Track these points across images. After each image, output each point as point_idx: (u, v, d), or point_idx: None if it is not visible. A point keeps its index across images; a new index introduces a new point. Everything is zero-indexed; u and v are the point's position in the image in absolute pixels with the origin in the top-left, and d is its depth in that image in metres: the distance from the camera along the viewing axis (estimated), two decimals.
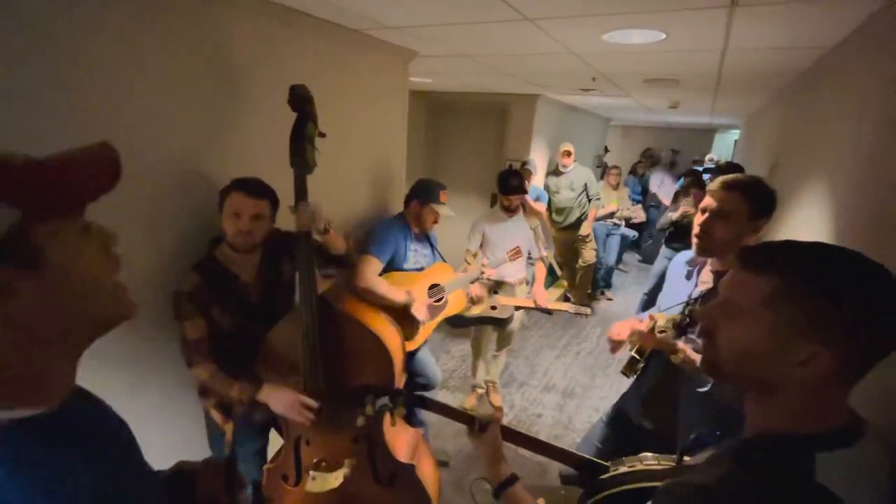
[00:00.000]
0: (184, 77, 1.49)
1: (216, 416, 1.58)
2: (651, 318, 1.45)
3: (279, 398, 1.48)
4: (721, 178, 1.38)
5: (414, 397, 1.28)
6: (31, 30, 1.12)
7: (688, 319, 1.35)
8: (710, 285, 1.43)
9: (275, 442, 1.77)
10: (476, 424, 1.08)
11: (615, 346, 1.58)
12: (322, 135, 1.57)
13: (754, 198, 1.33)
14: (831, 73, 1.82)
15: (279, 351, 1.55)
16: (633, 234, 5.77)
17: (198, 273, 1.48)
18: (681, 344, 1.36)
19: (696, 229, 1.40)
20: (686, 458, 0.90)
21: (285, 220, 1.59)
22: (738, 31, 1.64)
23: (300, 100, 1.50)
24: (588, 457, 1.12)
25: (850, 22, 1.46)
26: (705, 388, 1.33)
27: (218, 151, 1.65)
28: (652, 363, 1.54)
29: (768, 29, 1.61)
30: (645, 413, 1.60)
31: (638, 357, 1.53)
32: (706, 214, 1.38)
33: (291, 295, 1.73)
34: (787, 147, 2.55)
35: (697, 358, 1.33)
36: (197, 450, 1.72)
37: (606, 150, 7.77)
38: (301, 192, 1.50)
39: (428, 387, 2.43)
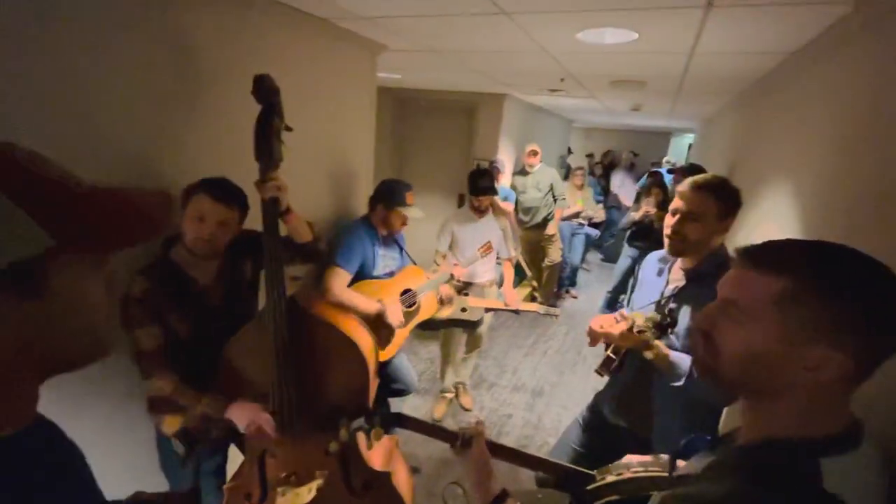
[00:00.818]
0: (138, 64, 1.36)
1: (178, 447, 1.45)
2: (622, 316, 1.45)
3: (244, 415, 1.37)
4: (691, 180, 1.40)
5: (392, 416, 1.20)
6: None
7: (668, 319, 1.35)
8: (681, 283, 1.44)
9: (234, 458, 1.65)
10: (459, 441, 1.03)
11: (597, 338, 1.55)
12: (289, 128, 1.47)
13: (723, 198, 1.36)
14: (795, 76, 1.89)
15: (242, 358, 1.44)
16: (595, 233, 5.91)
17: (147, 276, 1.34)
18: (654, 340, 1.36)
19: (667, 230, 1.41)
20: (679, 462, 0.88)
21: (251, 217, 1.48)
22: (708, 33, 1.67)
23: (267, 91, 1.39)
24: (574, 467, 1.09)
25: (812, 29, 1.51)
26: (679, 383, 1.33)
27: (174, 143, 1.52)
28: (625, 361, 1.54)
29: (738, 32, 1.65)
30: (620, 411, 1.60)
31: (614, 356, 1.52)
32: (677, 216, 1.39)
33: (254, 299, 1.61)
34: (748, 147, 2.66)
35: (670, 353, 1.34)
36: (148, 474, 1.57)
37: (570, 151, 7.93)
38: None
39: (405, 392, 2.37)
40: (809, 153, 1.58)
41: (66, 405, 1.35)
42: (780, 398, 0.60)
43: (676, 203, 1.40)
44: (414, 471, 2.52)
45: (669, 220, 1.41)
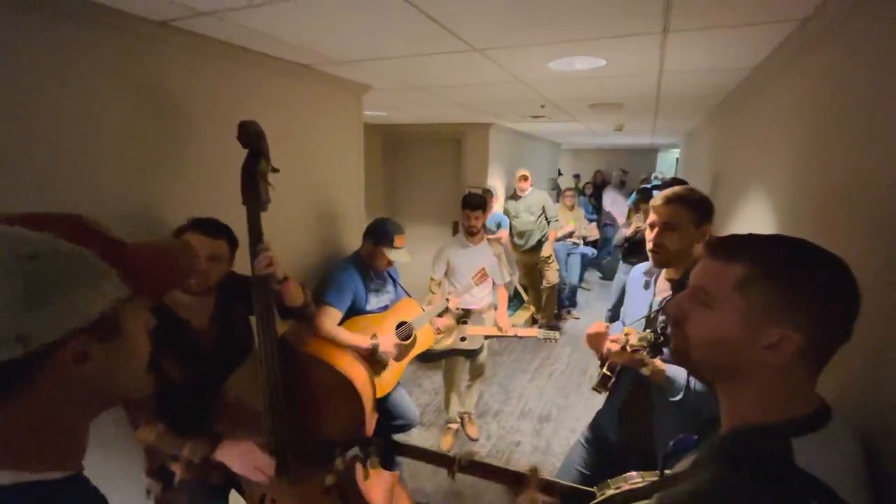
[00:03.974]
0: (126, 116, 1.43)
1: (152, 486, 1.44)
2: (612, 336, 1.45)
3: (234, 455, 1.36)
4: (662, 194, 1.46)
5: (388, 444, 1.20)
6: None
7: (662, 338, 1.35)
8: (668, 293, 1.46)
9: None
10: (455, 466, 1.05)
11: (594, 345, 1.53)
12: (275, 170, 1.53)
13: (694, 205, 1.41)
14: (758, 90, 1.97)
15: (238, 401, 1.44)
16: (591, 251, 5.94)
17: None
18: (655, 361, 1.36)
19: (649, 244, 1.45)
20: (668, 471, 0.89)
21: (243, 263, 1.51)
22: (671, 55, 1.75)
23: (251, 136, 1.46)
24: (572, 485, 1.08)
25: (768, 44, 1.59)
26: (677, 398, 1.33)
27: (163, 191, 1.57)
28: (623, 377, 1.54)
29: (698, 52, 1.73)
30: (622, 428, 1.59)
31: (609, 374, 1.52)
32: (655, 229, 1.43)
33: (248, 341, 1.62)
34: (727, 157, 2.72)
35: (666, 368, 1.34)
36: None
37: (560, 173, 8.06)
38: (255, 229, 1.44)
39: (407, 427, 2.33)
40: (778, 160, 1.63)
41: None
42: (747, 383, 0.64)
43: (652, 217, 1.45)
44: None
45: (650, 234, 1.45)
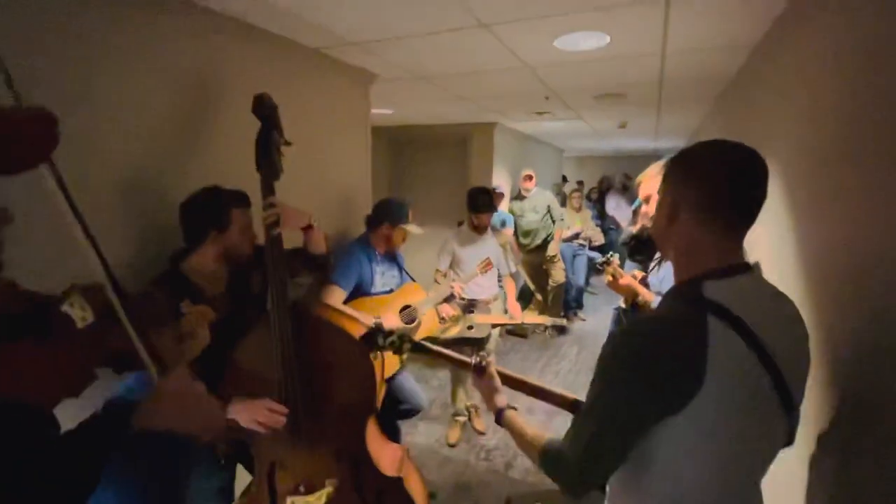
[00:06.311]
0: (145, 92, 1.48)
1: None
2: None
3: (246, 409, 1.36)
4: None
5: (414, 344, 1.36)
6: None
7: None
8: None
9: (241, 478, 1.61)
10: (474, 367, 1.22)
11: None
12: (287, 143, 1.56)
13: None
14: (758, 75, 1.98)
15: (248, 365, 1.44)
16: (597, 255, 5.91)
17: (157, 287, 1.37)
18: (642, 290, 1.63)
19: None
20: None
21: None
22: (674, 30, 1.79)
23: (265, 107, 1.50)
24: (579, 399, 1.14)
25: (769, 16, 1.62)
26: None
27: (179, 161, 1.61)
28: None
29: (700, 26, 1.77)
30: None
31: (623, 305, 1.76)
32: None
33: (262, 309, 1.63)
34: None
35: (653, 298, 1.56)
36: None
37: (565, 179, 8.10)
38: (269, 196, 1.47)
39: (413, 412, 2.32)
40: (784, 136, 1.63)
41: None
42: (673, 253, 0.87)
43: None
44: (431, 496, 2.43)
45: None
